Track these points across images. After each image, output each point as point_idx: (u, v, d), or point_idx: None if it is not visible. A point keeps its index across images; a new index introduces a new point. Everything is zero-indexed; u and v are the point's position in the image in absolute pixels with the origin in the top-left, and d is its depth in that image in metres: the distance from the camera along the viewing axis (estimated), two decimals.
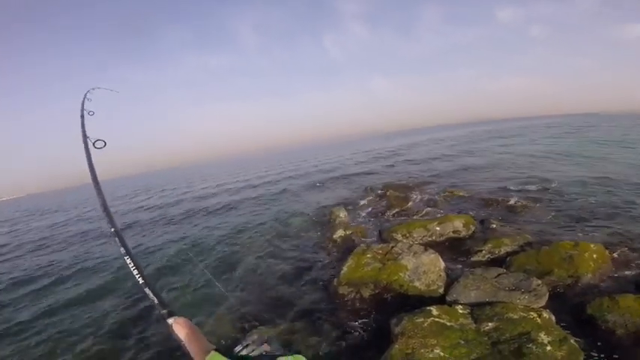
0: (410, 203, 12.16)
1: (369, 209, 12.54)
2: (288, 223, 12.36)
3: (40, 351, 6.14)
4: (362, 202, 13.78)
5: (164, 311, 1.59)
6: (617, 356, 3.84)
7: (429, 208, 11.31)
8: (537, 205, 10.26)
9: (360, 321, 5.43)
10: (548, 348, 3.54)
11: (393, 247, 6.93)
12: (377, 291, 6.04)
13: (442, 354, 3.80)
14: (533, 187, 12.57)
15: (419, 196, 13.24)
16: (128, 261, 1.78)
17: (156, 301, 1.64)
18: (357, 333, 5.14)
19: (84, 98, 3.28)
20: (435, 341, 4.05)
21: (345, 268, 6.54)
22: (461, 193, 12.70)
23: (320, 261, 8.28)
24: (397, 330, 4.47)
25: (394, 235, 8.52)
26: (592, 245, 5.94)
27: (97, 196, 2.35)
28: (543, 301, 4.85)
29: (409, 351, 3.96)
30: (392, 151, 36.42)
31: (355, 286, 6.14)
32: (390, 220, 10.72)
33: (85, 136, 2.81)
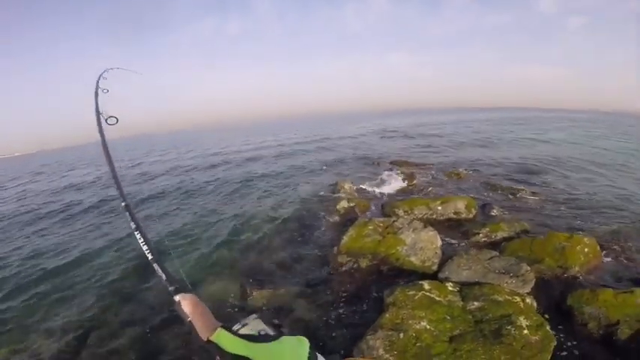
0: (415, 180, 12.34)
1: (375, 183, 12.72)
2: (294, 191, 12.61)
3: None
4: (368, 176, 13.96)
5: (171, 288, 1.57)
6: (583, 347, 4.09)
7: (433, 187, 11.52)
8: (542, 194, 10.40)
9: (355, 289, 5.73)
10: (525, 332, 3.80)
11: (394, 221, 7.15)
12: (374, 262, 6.32)
13: (428, 326, 4.10)
14: (541, 177, 12.70)
15: (425, 174, 13.44)
16: (138, 236, 1.78)
17: (164, 277, 1.63)
18: (352, 301, 5.43)
19: (99, 77, 3.36)
20: (423, 314, 4.32)
21: (345, 238, 6.79)
22: (467, 175, 12.88)
23: (322, 229, 8.54)
24: (389, 300, 4.75)
25: (396, 210, 8.74)
26: (585, 239, 6.10)
27: (109, 172, 2.38)
28: (529, 287, 5.10)
29: (398, 321, 4.25)
30: (403, 128, 36.07)
31: (354, 256, 6.43)
32: (393, 196, 10.95)
33: (98, 113, 2.83)
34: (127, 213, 1.97)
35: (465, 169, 13.93)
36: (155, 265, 1.66)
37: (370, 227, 6.94)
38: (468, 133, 29.31)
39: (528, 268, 5.40)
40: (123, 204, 2.04)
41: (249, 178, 15.59)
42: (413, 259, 6.26)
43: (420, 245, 6.46)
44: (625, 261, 6.12)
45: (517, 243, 6.54)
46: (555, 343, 3.78)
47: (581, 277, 5.59)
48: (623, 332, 4.08)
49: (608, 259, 6.16)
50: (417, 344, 3.82)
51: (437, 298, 4.68)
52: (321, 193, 11.86)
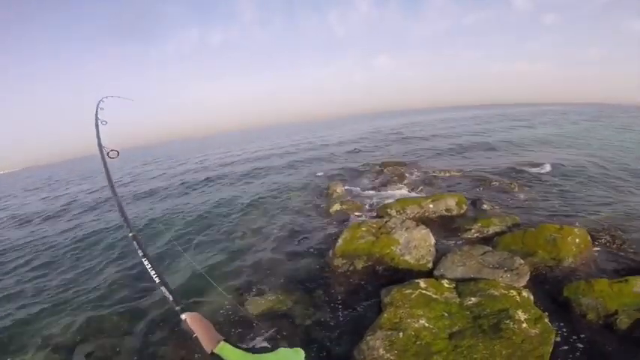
0: (406, 180, 12.44)
1: (366, 185, 12.83)
2: (286, 196, 12.61)
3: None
4: (359, 178, 14.10)
5: (178, 307, 1.71)
6: (584, 338, 4.11)
7: (424, 186, 11.61)
8: (531, 188, 10.60)
9: (353, 291, 5.74)
10: (524, 325, 3.82)
11: (386, 221, 7.16)
12: (370, 263, 6.33)
13: (427, 324, 4.10)
14: (529, 170, 12.88)
15: (415, 174, 13.54)
16: (146, 262, 1.92)
17: (171, 298, 1.78)
18: (350, 302, 5.42)
19: (97, 108, 3.39)
20: (421, 312, 4.33)
21: (340, 241, 6.79)
22: (456, 173, 13.00)
23: (316, 233, 8.53)
24: (387, 300, 4.76)
25: (388, 210, 8.77)
26: (576, 230, 6.17)
27: (115, 202, 2.52)
28: (524, 281, 5.14)
29: (397, 320, 4.25)
30: (392, 130, 36.32)
31: (349, 258, 6.42)
32: (385, 196, 10.97)
33: (100, 146, 2.95)
34: (135, 242, 2.11)
35: (455, 167, 14.07)
36: (162, 289, 1.80)
37: (364, 229, 6.94)
38: (457, 132, 29.63)
39: (522, 261, 5.44)
40: (130, 234, 2.17)
41: (242, 184, 15.55)
42: (407, 257, 6.27)
43: (414, 244, 6.48)
44: (616, 250, 6.21)
45: (509, 237, 6.59)
46: (555, 335, 3.79)
47: (574, 268, 5.64)
48: (623, 322, 4.11)
49: (600, 249, 6.24)
50: (417, 342, 3.82)
51: (434, 296, 4.70)
52: (314, 197, 11.90)
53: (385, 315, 4.39)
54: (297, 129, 66.34)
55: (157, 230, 10.25)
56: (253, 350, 1.44)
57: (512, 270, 5.27)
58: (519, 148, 18.38)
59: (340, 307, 5.33)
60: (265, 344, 4.44)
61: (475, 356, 3.51)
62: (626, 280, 4.58)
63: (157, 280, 1.84)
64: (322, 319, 5.06)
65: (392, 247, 6.46)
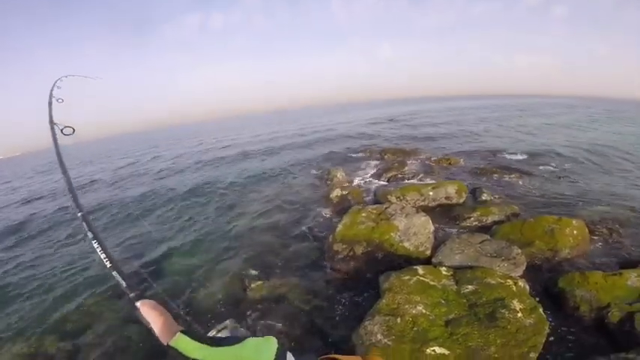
0: (406, 167, 12.43)
1: (367, 171, 12.85)
2: (287, 182, 12.63)
3: None
4: (360, 164, 14.10)
5: (132, 294, 1.56)
6: (575, 330, 4.21)
7: (424, 174, 11.65)
8: (534, 178, 10.62)
9: (352, 276, 5.83)
10: (519, 315, 3.90)
11: (386, 207, 7.20)
12: (369, 249, 6.38)
13: (424, 311, 4.18)
14: (532, 161, 12.89)
15: (416, 161, 13.55)
16: (95, 244, 1.76)
17: (124, 284, 1.61)
18: (349, 287, 5.52)
19: (53, 86, 3.35)
20: (419, 298, 4.40)
21: (340, 226, 6.83)
22: (458, 161, 13.02)
23: (316, 218, 8.60)
24: (385, 286, 4.82)
25: (389, 197, 8.79)
26: (574, 221, 6.21)
27: (64, 180, 2.40)
28: (521, 271, 5.22)
29: (395, 306, 4.32)
30: (394, 118, 36.00)
31: (349, 244, 6.49)
32: (385, 183, 11.04)
33: (52, 123, 2.85)
34: (84, 222, 1.96)
35: (456, 156, 14.07)
36: (114, 273, 1.64)
37: (363, 214, 6.99)
38: (459, 121, 29.45)
39: (519, 251, 5.49)
40: (79, 214, 2.03)
41: (244, 170, 15.56)
42: (406, 244, 6.33)
43: (413, 230, 6.53)
44: (613, 243, 6.28)
45: (508, 226, 6.65)
46: (548, 326, 3.88)
47: (571, 260, 5.72)
48: (614, 315, 4.18)
49: (597, 242, 6.32)
50: (414, 329, 3.90)
51: (431, 283, 4.75)
52: (314, 183, 11.92)
53: (383, 301, 4.46)
54: (297, 116, 65.51)
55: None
56: (217, 342, 1.25)
57: (509, 259, 5.33)
58: (524, 139, 18.26)
59: (340, 291, 5.43)
60: (262, 329, 4.55)
61: (470, 344, 3.60)
62: (621, 274, 4.66)
63: (108, 264, 1.68)
64: (321, 304, 5.15)
65: (391, 234, 6.51)
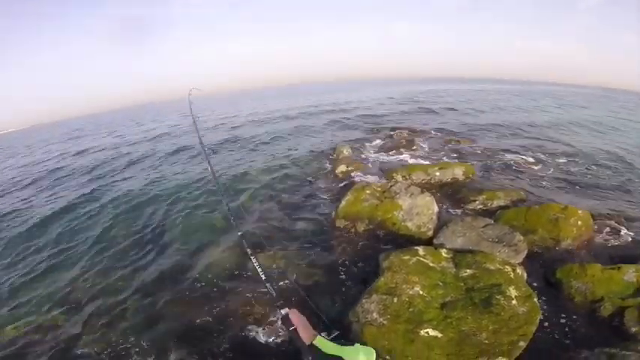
0: (415, 146, 12.31)
1: (374, 149, 12.75)
2: (293, 156, 12.59)
3: None
4: (368, 142, 13.95)
5: (279, 303, 1.95)
6: (567, 321, 4.24)
7: (432, 153, 11.55)
8: (542, 166, 10.42)
9: (352, 253, 5.88)
10: (514, 302, 3.93)
11: (391, 185, 7.16)
12: (371, 226, 6.43)
13: (421, 292, 4.24)
14: (544, 148, 12.59)
15: (425, 141, 13.39)
16: (253, 260, 2.21)
17: (274, 294, 2.02)
18: (349, 264, 5.58)
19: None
20: (417, 279, 4.44)
21: (343, 202, 6.85)
22: (467, 144, 12.83)
23: (320, 194, 8.62)
24: (385, 264, 4.86)
25: (394, 175, 8.76)
26: (579, 211, 6.11)
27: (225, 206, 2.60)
28: (521, 258, 5.21)
29: (393, 285, 4.37)
30: (407, 97, 35.23)
31: (351, 220, 6.52)
32: (392, 162, 10.95)
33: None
34: (243, 241, 2.52)
35: (466, 137, 13.88)
36: (268, 285, 2.04)
37: (368, 192, 6.97)
38: (472, 102, 28.86)
39: (521, 237, 5.45)
40: (239, 233, 2.63)
41: (249, 142, 15.52)
42: (409, 224, 6.35)
43: (417, 210, 6.52)
44: (616, 237, 6.20)
45: (512, 212, 6.57)
46: (540, 315, 3.92)
47: (572, 251, 5.69)
48: (606, 309, 4.23)
49: (601, 234, 6.23)
50: (410, 309, 3.97)
51: (431, 264, 4.78)
52: (321, 158, 11.90)
53: (382, 279, 4.51)
54: (309, 91, 64.07)
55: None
56: (340, 343, 1.66)
57: (510, 245, 5.31)
58: (542, 126, 17.77)
59: (339, 268, 5.49)
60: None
61: (463, 328, 3.66)
62: (619, 268, 4.64)
63: (264, 277, 2.07)
64: (320, 279, 5.23)
65: (394, 212, 6.52)
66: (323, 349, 1.61)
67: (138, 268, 6.27)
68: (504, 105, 27.13)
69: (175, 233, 7.32)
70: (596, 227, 6.29)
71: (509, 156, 11.19)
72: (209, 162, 4.23)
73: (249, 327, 4.46)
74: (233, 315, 4.70)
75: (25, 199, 11.41)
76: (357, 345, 1.64)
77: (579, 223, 5.95)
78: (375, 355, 1.62)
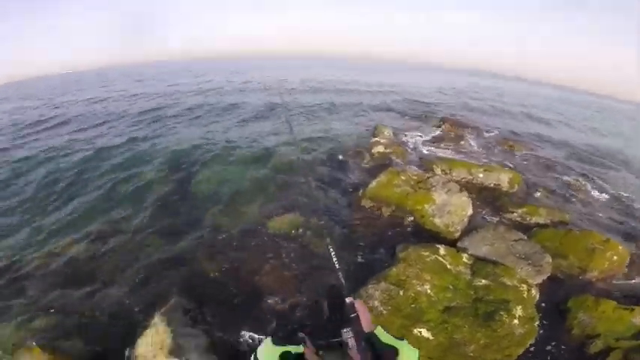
0: (463, 142, 11.81)
1: (419, 136, 12.29)
2: (332, 128, 12.52)
3: None
4: (413, 127, 13.48)
5: (345, 292, 1.98)
6: (550, 349, 4.14)
7: (480, 153, 11.02)
8: (599, 195, 9.38)
9: (371, 236, 5.89)
10: (515, 322, 3.88)
11: (429, 177, 6.98)
12: (397, 213, 6.35)
13: (429, 291, 4.24)
14: (606, 172, 11.46)
15: (476, 138, 12.74)
16: (332, 252, 2.17)
17: (344, 283, 2.04)
18: (365, 246, 5.62)
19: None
20: (429, 277, 4.43)
21: (374, 183, 6.77)
22: (521, 150, 12.02)
23: (351, 171, 8.56)
24: (401, 255, 4.89)
25: (434, 167, 8.46)
26: (620, 247, 5.73)
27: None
28: (541, 279, 5.03)
29: (403, 277, 4.40)
30: (464, 89, 32.91)
31: (378, 203, 6.45)
32: (434, 153, 10.57)
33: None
34: (327, 239, 2.39)
35: (525, 142, 13.01)
36: (339, 274, 2.07)
37: (402, 177, 6.84)
38: (536, 105, 26.76)
39: (549, 260, 5.26)
40: (327, 239, 2.44)
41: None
42: (437, 220, 6.23)
43: (449, 209, 6.37)
44: None
45: (549, 232, 6.27)
46: (533, 339, 3.87)
47: (594, 283, 5.41)
48: (596, 346, 4.10)
49: (632, 273, 5.82)
50: (412, 305, 4.00)
51: (448, 266, 4.75)
52: (359, 134, 11.69)
53: (394, 269, 4.55)
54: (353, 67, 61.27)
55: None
56: (394, 336, 1.77)
57: (535, 265, 5.13)
58: (604, 143, 16.32)
59: (354, 246, 5.55)
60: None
61: (455, 336, 3.67)
62: (632, 309, 4.38)
63: (338, 265, 2.10)
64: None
65: (425, 205, 6.40)
66: (381, 338, 1.73)
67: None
68: (572, 117, 24.96)
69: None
70: (630, 265, 5.86)
71: (565, 176, 10.30)
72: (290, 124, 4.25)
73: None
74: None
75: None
76: (406, 341, 1.76)
77: (615, 258, 5.60)
78: (418, 355, 1.73)
